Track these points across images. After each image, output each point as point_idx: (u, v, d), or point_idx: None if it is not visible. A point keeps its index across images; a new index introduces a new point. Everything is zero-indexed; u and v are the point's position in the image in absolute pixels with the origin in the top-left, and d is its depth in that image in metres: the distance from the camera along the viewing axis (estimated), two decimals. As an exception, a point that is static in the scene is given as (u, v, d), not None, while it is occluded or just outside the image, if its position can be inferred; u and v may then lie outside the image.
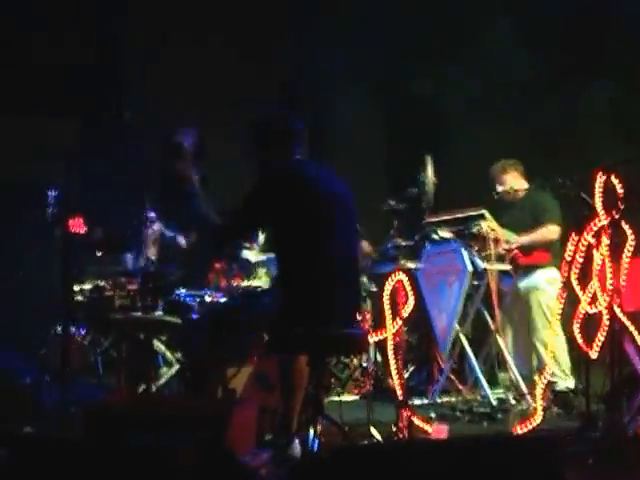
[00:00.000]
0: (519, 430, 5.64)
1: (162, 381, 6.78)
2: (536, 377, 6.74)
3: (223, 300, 6.31)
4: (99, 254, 7.08)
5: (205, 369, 5.53)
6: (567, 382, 6.78)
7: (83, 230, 6.79)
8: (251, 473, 4.14)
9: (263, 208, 5.07)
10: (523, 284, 7.07)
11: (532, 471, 3.57)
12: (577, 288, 5.69)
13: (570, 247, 5.64)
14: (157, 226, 7.24)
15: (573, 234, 5.58)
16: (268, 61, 8.96)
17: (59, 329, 6.52)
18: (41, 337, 6.93)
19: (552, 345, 6.03)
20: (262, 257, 6.50)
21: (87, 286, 7.12)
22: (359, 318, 6.57)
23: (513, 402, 6.72)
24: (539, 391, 5.81)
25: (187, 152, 7.07)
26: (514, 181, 7.21)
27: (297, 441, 5.04)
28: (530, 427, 5.65)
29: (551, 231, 6.97)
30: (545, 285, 6.92)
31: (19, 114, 8.61)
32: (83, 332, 7.02)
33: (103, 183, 7.86)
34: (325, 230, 5.02)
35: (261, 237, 6.30)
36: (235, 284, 6.61)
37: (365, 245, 6.27)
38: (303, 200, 5.02)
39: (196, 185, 6.50)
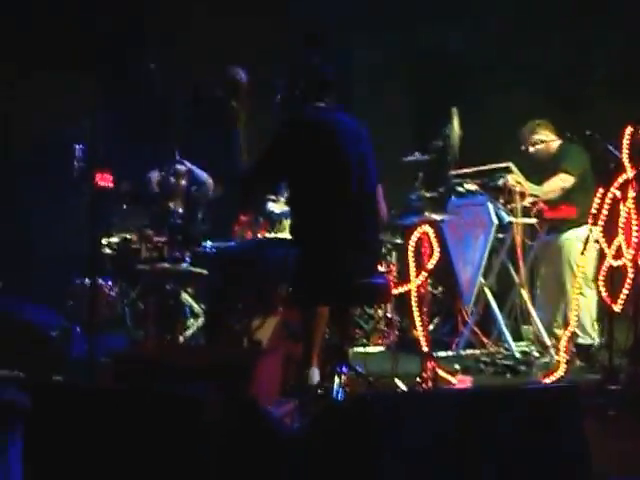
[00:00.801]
0: (542, 382, 5.67)
1: (189, 332, 6.84)
2: (559, 331, 6.77)
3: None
4: (126, 207, 7.15)
5: (225, 316, 5.59)
6: (589, 340, 6.77)
7: (110, 184, 6.85)
8: (276, 422, 4.17)
9: (283, 156, 5.09)
10: (555, 240, 7.01)
11: (549, 420, 3.58)
12: (602, 241, 5.70)
13: (596, 200, 5.63)
14: (185, 179, 7.29)
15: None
16: (284, 15, 8.92)
17: (87, 281, 6.59)
18: (69, 289, 7.01)
19: (578, 302, 6.02)
20: (287, 209, 6.52)
21: (115, 239, 7.19)
22: (384, 269, 6.63)
23: (536, 355, 6.73)
24: (562, 345, 5.83)
25: (243, 90, 7.06)
26: (546, 137, 7.11)
27: (322, 390, 5.10)
28: (553, 379, 5.68)
29: (562, 179, 6.87)
30: (577, 243, 6.85)
31: (43, 69, 8.64)
32: (110, 284, 7.10)
33: (130, 136, 7.90)
34: (342, 180, 5.04)
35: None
36: (260, 236, 6.66)
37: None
38: (321, 149, 5.03)
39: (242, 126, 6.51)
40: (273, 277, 5.75)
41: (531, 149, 7.11)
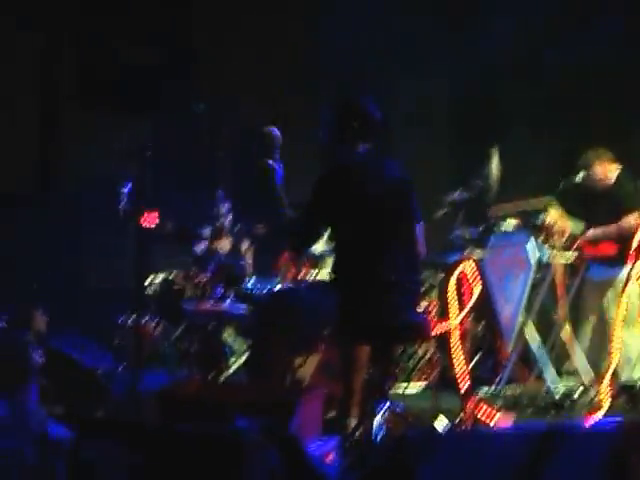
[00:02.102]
0: (585, 421, 5.66)
1: (231, 370, 6.89)
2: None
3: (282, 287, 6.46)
4: (170, 246, 7.26)
5: (267, 354, 5.66)
6: (633, 378, 6.73)
7: (154, 224, 6.95)
8: (317, 460, 4.21)
9: (326, 203, 5.17)
10: (604, 277, 6.99)
11: (598, 461, 3.57)
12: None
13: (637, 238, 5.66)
14: (229, 218, 7.41)
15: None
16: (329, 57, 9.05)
17: (132, 319, 6.68)
18: (115, 327, 7.11)
19: (620, 340, 5.99)
20: (329, 247, 6.60)
21: (159, 278, 7.29)
22: (425, 307, 6.66)
23: (579, 393, 6.70)
24: (606, 382, 5.81)
25: (276, 147, 7.30)
26: (607, 168, 7.10)
27: (362, 429, 5.12)
28: (596, 418, 5.67)
29: (628, 223, 6.82)
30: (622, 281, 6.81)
31: (93, 110, 8.83)
32: (155, 322, 7.19)
33: (175, 177, 8.03)
34: (379, 222, 5.11)
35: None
36: (303, 274, 6.73)
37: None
38: (358, 192, 5.10)
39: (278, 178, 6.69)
40: (315, 317, 5.82)
41: (581, 174, 7.05)
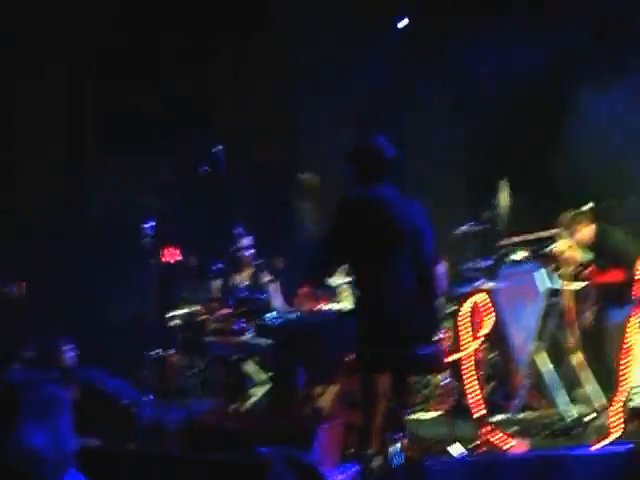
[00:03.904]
0: (596, 445, 5.77)
1: (253, 400, 7.05)
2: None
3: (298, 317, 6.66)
4: (192, 281, 7.46)
5: (288, 384, 5.84)
6: None
7: (176, 259, 7.16)
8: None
9: (341, 236, 5.37)
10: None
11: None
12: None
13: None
14: (249, 252, 7.60)
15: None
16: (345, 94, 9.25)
17: (156, 352, 6.87)
18: (141, 360, 7.30)
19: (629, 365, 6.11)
20: (346, 280, 6.77)
21: (182, 311, 7.49)
22: (439, 337, 6.82)
23: (590, 418, 6.80)
24: (616, 407, 5.93)
25: (310, 192, 7.57)
26: (585, 230, 7.37)
27: (380, 457, 5.29)
28: (607, 443, 5.78)
29: None
30: None
31: (116, 151, 9.07)
32: (178, 355, 7.37)
33: (196, 214, 8.24)
34: (396, 252, 5.29)
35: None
36: (319, 307, 6.91)
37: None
38: (375, 227, 5.30)
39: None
40: (334, 347, 6.01)
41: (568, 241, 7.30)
